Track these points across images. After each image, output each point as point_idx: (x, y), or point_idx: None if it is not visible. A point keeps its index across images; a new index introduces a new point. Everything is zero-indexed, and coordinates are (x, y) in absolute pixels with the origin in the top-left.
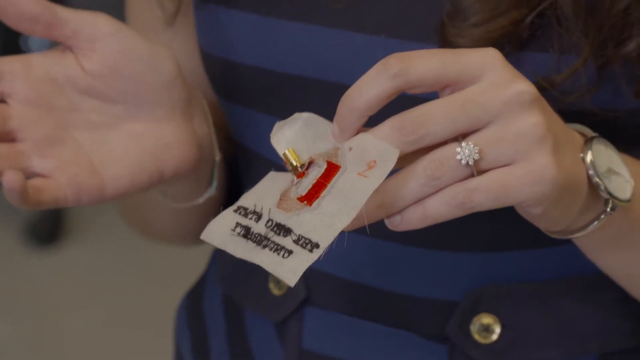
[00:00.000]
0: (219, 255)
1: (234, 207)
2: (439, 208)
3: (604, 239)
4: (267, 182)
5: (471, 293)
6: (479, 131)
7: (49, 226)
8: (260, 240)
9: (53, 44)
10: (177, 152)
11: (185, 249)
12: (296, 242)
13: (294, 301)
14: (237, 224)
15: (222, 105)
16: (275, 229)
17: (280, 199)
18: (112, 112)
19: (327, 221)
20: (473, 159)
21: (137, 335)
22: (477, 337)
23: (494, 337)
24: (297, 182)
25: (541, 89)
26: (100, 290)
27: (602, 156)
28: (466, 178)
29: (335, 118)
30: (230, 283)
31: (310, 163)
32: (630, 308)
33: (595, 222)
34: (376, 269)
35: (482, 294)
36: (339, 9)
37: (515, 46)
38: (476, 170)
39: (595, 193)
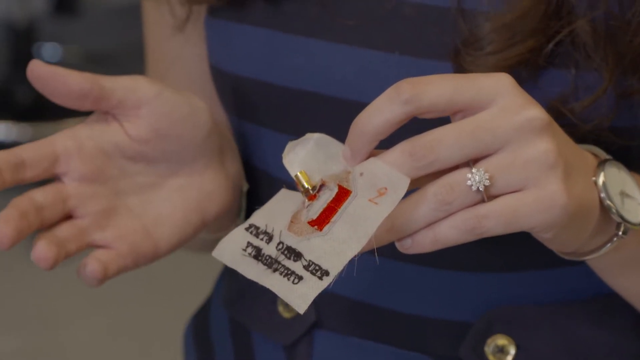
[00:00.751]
0: (225, 279)
1: (246, 225)
2: (450, 233)
3: (617, 260)
4: (279, 200)
5: (485, 315)
6: (490, 157)
7: None
8: (271, 263)
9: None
10: (218, 198)
11: (191, 261)
12: (306, 267)
13: (303, 324)
14: (249, 244)
15: (231, 122)
16: (286, 252)
17: (292, 222)
18: (155, 172)
19: (337, 248)
20: (484, 185)
21: (141, 346)
22: (491, 358)
23: (509, 358)
24: (309, 205)
25: (559, 116)
26: (106, 299)
27: (615, 179)
28: (477, 203)
29: (347, 141)
30: (237, 307)
31: (322, 186)
32: None
33: (608, 245)
34: (388, 290)
35: (495, 316)
36: (352, 25)
37: (531, 73)
38: (487, 195)
39: (608, 216)
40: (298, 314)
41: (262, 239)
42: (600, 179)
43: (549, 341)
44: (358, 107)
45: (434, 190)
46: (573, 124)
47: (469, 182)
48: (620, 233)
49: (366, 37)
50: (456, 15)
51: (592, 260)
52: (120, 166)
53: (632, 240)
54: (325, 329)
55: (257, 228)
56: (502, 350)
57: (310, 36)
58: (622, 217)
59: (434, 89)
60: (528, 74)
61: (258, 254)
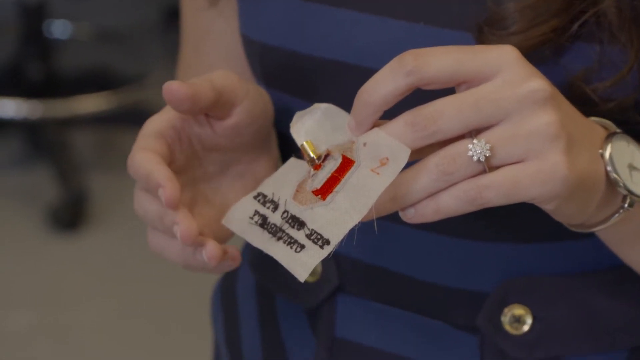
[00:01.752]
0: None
1: (254, 193)
2: (451, 203)
3: (625, 232)
4: (287, 169)
5: (502, 285)
6: (492, 128)
7: (70, 212)
8: (276, 232)
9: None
10: None
11: None
12: (308, 236)
13: (326, 288)
14: (256, 212)
15: None
16: (290, 221)
17: (297, 191)
18: (224, 161)
19: (339, 217)
20: (485, 155)
21: (153, 325)
22: (508, 328)
23: (525, 328)
24: (314, 175)
25: (581, 94)
26: (121, 278)
27: (623, 152)
28: (478, 174)
29: (352, 112)
30: (261, 270)
31: (327, 155)
32: None
33: (614, 217)
34: (408, 258)
35: (512, 286)
36: None
37: (555, 52)
38: (488, 166)
39: (614, 188)
40: (321, 278)
41: (268, 207)
42: (607, 152)
43: (566, 312)
44: None
45: (435, 161)
46: (595, 103)
47: (470, 153)
48: (626, 205)
49: (391, 7)
50: None
51: (601, 232)
52: (200, 156)
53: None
54: (347, 293)
55: (264, 196)
56: (518, 320)
57: (336, 5)
58: (628, 189)
59: (437, 60)
60: (551, 52)
61: (264, 222)
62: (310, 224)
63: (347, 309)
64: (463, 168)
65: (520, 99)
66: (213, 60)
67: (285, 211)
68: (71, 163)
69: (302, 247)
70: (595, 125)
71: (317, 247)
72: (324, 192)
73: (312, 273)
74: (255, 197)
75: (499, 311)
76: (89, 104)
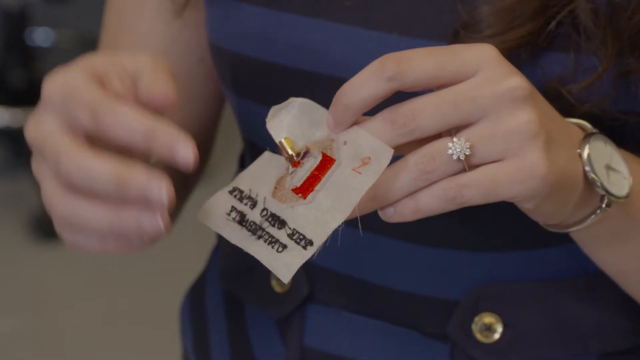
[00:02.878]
0: (220, 251)
1: (230, 187)
2: (431, 201)
3: (601, 234)
4: (262, 163)
5: (472, 292)
6: (471, 126)
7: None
8: (255, 230)
9: (57, 38)
10: None
11: (187, 246)
12: (290, 236)
13: (296, 298)
14: (233, 208)
15: (230, 100)
16: (270, 219)
17: (275, 188)
18: None
19: (321, 217)
20: (464, 154)
21: (138, 330)
22: (478, 336)
23: (496, 336)
24: (293, 172)
25: (557, 96)
26: (104, 284)
27: (601, 152)
28: (458, 172)
29: (330, 112)
30: (231, 279)
31: (306, 152)
32: (631, 307)
33: (591, 217)
34: (378, 266)
35: (482, 293)
36: (350, 6)
37: (531, 54)
38: (467, 165)
39: (592, 189)
40: (291, 288)
41: (246, 204)
42: (585, 152)
43: (537, 318)
44: None
45: (415, 160)
46: (571, 105)
47: (449, 152)
48: (604, 205)
49: (364, 17)
50: None
51: (577, 232)
52: None
53: (616, 214)
54: (317, 303)
55: (241, 192)
56: (489, 329)
57: (309, 16)
58: (606, 190)
59: (418, 65)
60: (528, 55)
61: (242, 219)
62: (292, 223)
63: (316, 318)
64: (443, 166)
65: (499, 97)
66: (178, 70)
67: (265, 209)
68: None
69: (284, 247)
70: (572, 126)
71: (300, 248)
72: (304, 190)
73: (282, 284)
74: (231, 192)
75: (470, 319)
76: None
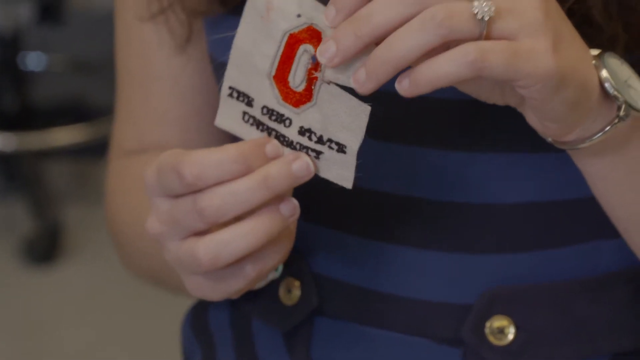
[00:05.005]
0: None
1: (227, 90)
2: (448, 66)
3: (608, 152)
4: (247, 32)
5: (484, 295)
6: None
7: (45, 244)
8: (278, 137)
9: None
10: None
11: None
12: (320, 141)
13: (305, 310)
14: (245, 113)
15: None
16: (289, 125)
17: (280, 89)
18: None
19: (346, 123)
20: (489, 15)
21: (130, 356)
22: (491, 339)
23: (509, 338)
24: (292, 70)
25: None
26: (97, 309)
27: (619, 68)
28: (473, 39)
29: (367, 65)
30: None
31: (308, 31)
32: None
33: (607, 129)
34: (389, 275)
35: (495, 296)
36: None
37: None
38: (487, 31)
39: (606, 103)
40: (300, 301)
41: (254, 107)
42: (605, 71)
43: (548, 320)
44: None
45: (432, 12)
46: None
47: (474, 10)
48: (621, 114)
49: None
50: None
51: (582, 152)
52: None
53: (628, 131)
54: (325, 315)
55: (242, 94)
56: (502, 331)
57: None
58: (627, 102)
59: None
60: None
61: (259, 124)
62: (317, 130)
63: (325, 330)
64: (461, 25)
65: None
66: (176, 106)
67: (282, 115)
68: (46, 195)
69: (320, 153)
70: (581, 40)
71: (334, 152)
72: (308, 94)
73: (291, 296)
74: (230, 95)
75: (483, 322)
76: (64, 136)
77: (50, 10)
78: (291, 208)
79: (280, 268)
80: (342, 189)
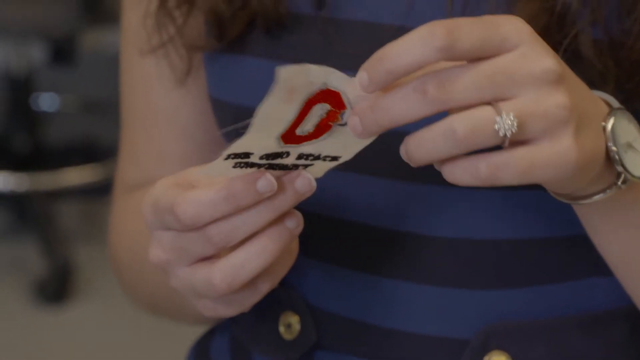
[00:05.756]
0: None
1: (223, 155)
2: (462, 175)
3: (608, 212)
4: (258, 129)
5: (481, 330)
6: (513, 101)
7: (56, 284)
8: (271, 166)
9: (62, 103)
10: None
11: None
12: (317, 158)
13: (304, 345)
14: (237, 164)
15: None
16: (284, 155)
17: (283, 138)
18: None
19: (344, 143)
20: (511, 131)
21: None
22: None
23: None
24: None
25: None
26: (109, 350)
27: (624, 129)
28: (493, 146)
29: (367, 70)
30: (241, 326)
31: (324, 92)
32: (637, 347)
33: (606, 192)
34: (386, 309)
35: (492, 331)
36: (352, 54)
37: None
38: (509, 142)
39: (609, 164)
40: (299, 336)
41: (253, 158)
42: (609, 125)
43: (544, 355)
44: None
45: (453, 127)
46: None
47: (496, 127)
48: (620, 182)
49: (365, 58)
50: None
51: (583, 208)
52: None
53: (629, 194)
54: (325, 349)
55: (245, 154)
56: None
57: (312, 63)
58: (624, 166)
59: (467, 37)
60: None
61: (251, 165)
62: (315, 153)
63: None
64: (484, 140)
65: (536, 76)
66: (178, 139)
67: (280, 153)
68: (58, 235)
69: (309, 165)
70: (600, 101)
71: (327, 162)
72: (316, 134)
73: (291, 331)
74: (226, 159)
75: (480, 358)
76: (76, 176)
77: (62, 51)
78: (296, 221)
79: None
80: (335, 223)
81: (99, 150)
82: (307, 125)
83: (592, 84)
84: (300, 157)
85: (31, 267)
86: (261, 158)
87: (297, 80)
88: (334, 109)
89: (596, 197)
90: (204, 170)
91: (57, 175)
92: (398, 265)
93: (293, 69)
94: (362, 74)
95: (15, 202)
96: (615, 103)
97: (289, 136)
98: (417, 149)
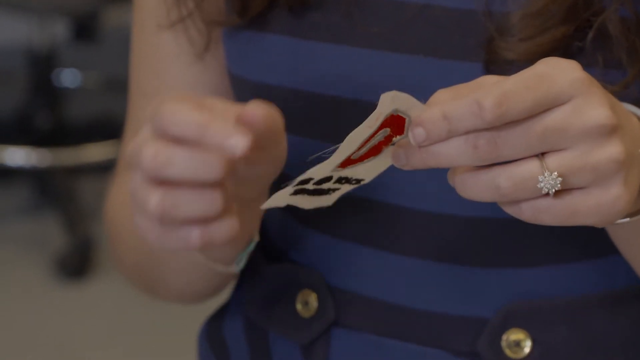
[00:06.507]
0: (246, 280)
1: (295, 182)
2: (506, 210)
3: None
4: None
5: (501, 309)
6: (560, 156)
7: (77, 260)
8: (325, 191)
9: (84, 80)
10: (259, 218)
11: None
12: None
13: (323, 323)
14: (296, 192)
15: None
16: (337, 181)
17: (341, 165)
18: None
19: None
20: (555, 189)
21: None
22: (507, 352)
23: (525, 351)
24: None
25: None
26: (129, 325)
27: None
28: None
29: (424, 125)
30: (256, 307)
31: (395, 119)
32: None
33: (636, 216)
34: (407, 287)
35: (512, 310)
36: (376, 32)
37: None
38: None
39: None
40: (317, 313)
41: (309, 185)
42: None
43: (565, 334)
44: None
45: (497, 182)
46: None
47: (540, 185)
48: None
49: (390, 41)
50: (484, 18)
51: (616, 227)
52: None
53: None
54: (343, 327)
55: (306, 181)
56: (518, 345)
57: (334, 42)
58: None
59: (517, 105)
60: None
61: (309, 191)
62: (350, 175)
63: (342, 342)
64: (527, 194)
65: (588, 130)
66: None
67: (327, 177)
68: (79, 211)
69: (337, 189)
70: (636, 122)
71: (350, 186)
72: (363, 157)
73: (308, 308)
74: (295, 185)
75: (499, 336)
76: (97, 152)
77: (85, 28)
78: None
79: (253, 245)
80: (356, 201)
81: (121, 126)
82: (363, 149)
83: (619, 63)
84: (338, 180)
85: (52, 243)
86: (315, 184)
87: (387, 105)
88: (392, 134)
89: (634, 217)
90: (266, 205)
91: (78, 152)
92: (417, 244)
93: (397, 95)
94: (419, 130)
95: (36, 177)
96: None
97: (345, 160)
98: (463, 190)
